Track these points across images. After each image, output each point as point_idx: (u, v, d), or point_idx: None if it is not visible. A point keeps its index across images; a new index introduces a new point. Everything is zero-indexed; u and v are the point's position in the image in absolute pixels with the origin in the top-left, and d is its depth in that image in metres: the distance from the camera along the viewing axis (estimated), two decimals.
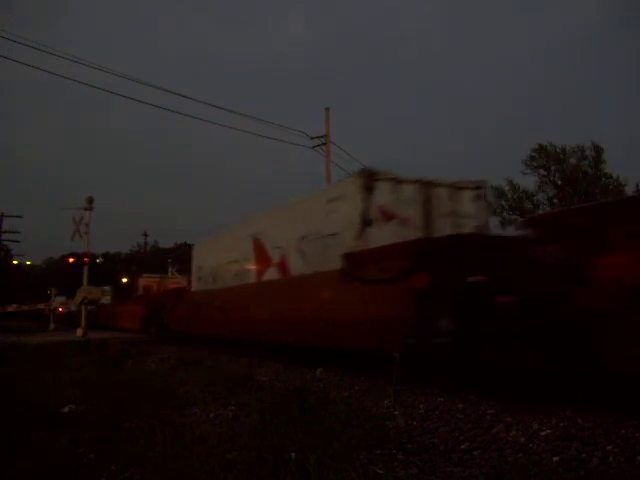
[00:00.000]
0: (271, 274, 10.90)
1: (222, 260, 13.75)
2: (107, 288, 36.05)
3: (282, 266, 10.47)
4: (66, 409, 5.07)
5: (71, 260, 26.27)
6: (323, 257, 8.75)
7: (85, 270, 22.01)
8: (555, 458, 3.41)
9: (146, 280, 26.94)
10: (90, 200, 21.64)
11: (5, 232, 40.61)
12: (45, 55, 14.11)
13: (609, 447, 3.56)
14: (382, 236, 7.70)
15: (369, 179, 8.13)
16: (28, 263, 61.53)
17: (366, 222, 7.96)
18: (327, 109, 21.06)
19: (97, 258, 31.13)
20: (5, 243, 44.36)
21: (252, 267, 11.82)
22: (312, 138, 20.90)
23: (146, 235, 58.99)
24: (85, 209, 21.65)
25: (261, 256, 11.40)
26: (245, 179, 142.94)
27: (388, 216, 8.14)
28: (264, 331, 10.41)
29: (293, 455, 3.10)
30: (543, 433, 4.01)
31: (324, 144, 20.81)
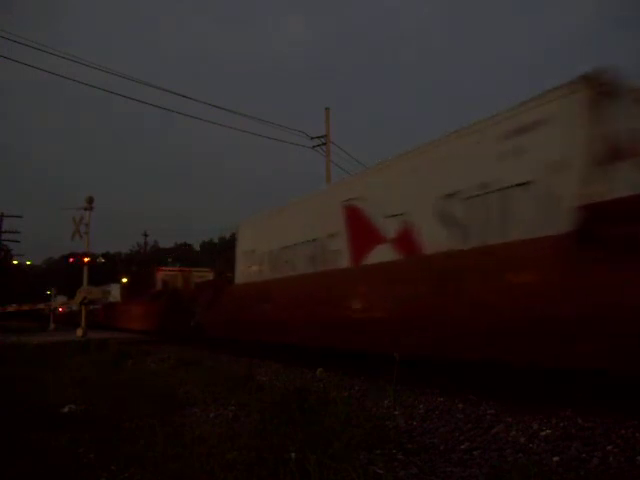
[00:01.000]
0: (381, 254, 7.64)
1: (288, 241, 10.34)
2: (111, 287, 33.94)
3: (404, 241, 7.27)
4: (66, 409, 5.07)
5: (71, 260, 26.27)
6: (499, 221, 5.81)
7: (85, 270, 22.02)
8: (555, 458, 3.41)
9: (165, 274, 22.88)
10: (90, 200, 21.65)
11: (5, 232, 40.66)
12: (45, 55, 14.13)
13: (609, 447, 3.55)
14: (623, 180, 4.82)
15: (601, 90, 5.12)
16: (28, 263, 61.65)
17: (603, 157, 4.95)
18: (327, 109, 21.07)
19: (97, 258, 31.12)
20: (5, 243, 44.41)
21: (344, 246, 8.52)
22: (312, 138, 20.92)
23: (146, 235, 59.04)
24: (85, 209, 21.66)
25: (360, 230, 8.14)
26: (245, 179, 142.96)
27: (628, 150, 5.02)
28: (392, 337, 6.94)
29: (293, 455, 3.10)
30: (543, 433, 4.01)
31: (324, 144, 20.82)
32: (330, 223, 8.92)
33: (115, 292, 32.72)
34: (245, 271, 12.36)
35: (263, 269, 11.40)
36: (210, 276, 20.70)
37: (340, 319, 8.22)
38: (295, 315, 9.48)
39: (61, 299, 39.99)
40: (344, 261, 8.47)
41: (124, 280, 33.93)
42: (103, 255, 56.97)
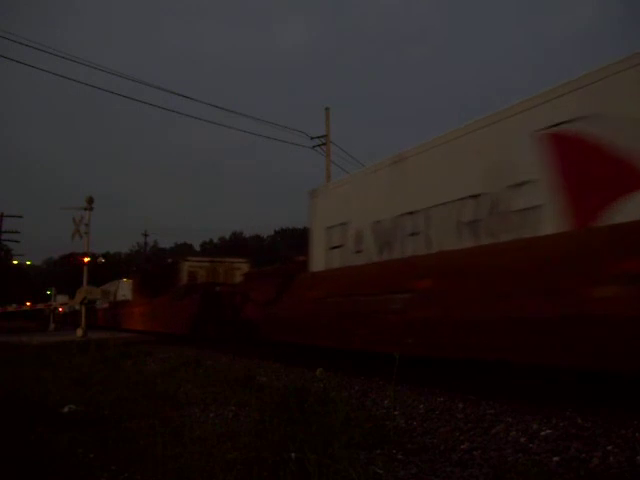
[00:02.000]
0: None
1: (415, 203, 7.14)
2: (119, 284, 31.42)
3: None
4: (66, 409, 5.06)
5: (71, 260, 26.28)
6: None
7: (85, 270, 22.03)
8: (555, 458, 3.41)
9: (192, 265, 18.88)
10: (90, 200, 21.66)
11: (5, 232, 40.68)
12: (45, 55, 14.13)
13: (609, 447, 3.55)
14: None
15: None
16: (28, 263, 61.70)
17: None
18: (327, 109, 21.10)
19: (97, 258, 31.06)
20: (5, 243, 44.46)
21: (545, 200, 5.46)
22: (312, 138, 20.94)
23: (146, 235, 59.10)
24: (85, 209, 21.68)
25: (588, 171, 5.15)
26: (245, 179, 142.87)
27: None
28: None
29: (293, 455, 3.10)
30: (543, 433, 4.01)
31: (324, 144, 20.83)
32: (510, 167, 5.90)
33: (124, 290, 29.88)
34: (328, 254, 9.13)
35: (365, 248, 8.18)
36: (245, 267, 18.01)
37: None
38: (490, 313, 5.77)
39: (62, 298, 39.94)
40: (548, 223, 5.37)
41: (136, 276, 29.33)
42: (103, 255, 56.96)
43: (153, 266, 34.07)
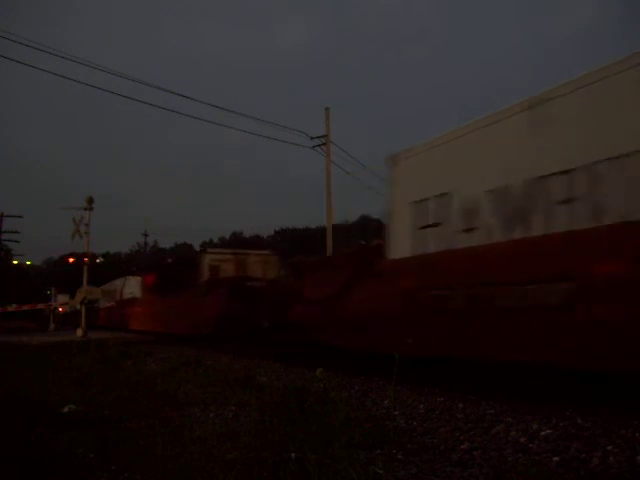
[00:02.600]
0: None
1: (576, 157, 5.30)
2: (126, 281, 29.37)
3: None
4: (66, 409, 5.06)
5: (71, 260, 26.26)
6: None
7: (85, 270, 22.03)
8: (555, 458, 3.41)
9: (214, 258, 16.52)
10: (90, 200, 21.69)
11: (5, 232, 40.67)
12: (45, 55, 14.14)
13: (609, 447, 3.55)
14: None
15: None
16: (28, 263, 61.65)
17: None
18: (327, 109, 21.08)
19: (97, 258, 30.98)
20: (5, 243, 44.46)
21: None
22: (312, 138, 20.92)
23: (146, 235, 59.13)
24: (85, 209, 21.69)
25: None
26: (245, 179, 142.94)
27: None
28: None
29: (293, 455, 3.10)
30: (543, 433, 4.01)
31: (324, 144, 20.82)
32: None
33: (131, 287, 27.75)
34: (416, 236, 7.21)
35: (481, 224, 6.28)
36: (272, 259, 16.29)
37: None
38: None
39: (62, 298, 39.88)
40: None
41: (148, 272, 25.91)
42: (103, 255, 56.99)
43: (167, 261, 30.64)
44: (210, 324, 14.12)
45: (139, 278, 26.48)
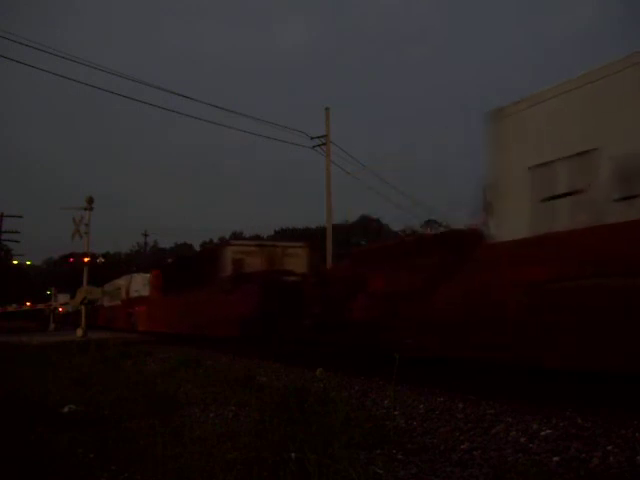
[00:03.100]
0: None
1: None
2: (132, 278, 27.59)
3: None
4: (66, 409, 5.06)
5: (71, 260, 26.27)
6: None
7: (85, 270, 22.04)
8: (555, 458, 3.41)
9: (238, 251, 14.51)
10: (90, 200, 21.72)
11: (5, 232, 40.69)
12: (45, 55, 14.14)
13: (609, 447, 3.55)
14: None
15: None
16: (28, 263, 61.70)
17: None
18: (327, 109, 21.09)
19: (97, 258, 30.92)
20: (5, 243, 44.48)
21: None
22: (312, 138, 20.93)
23: (146, 235, 59.19)
24: (85, 209, 21.72)
25: None
26: (245, 179, 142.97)
27: None
28: None
29: (293, 455, 3.10)
30: (543, 433, 4.01)
31: (324, 144, 20.82)
32: None
33: (137, 285, 26.07)
34: (537, 210, 5.80)
35: None
36: (302, 252, 14.44)
37: None
38: None
39: (63, 297, 39.83)
40: None
41: (160, 268, 22.93)
42: (103, 255, 57.00)
43: (182, 256, 27.15)
44: (237, 324, 12.20)
45: (146, 275, 25.02)
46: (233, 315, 12.41)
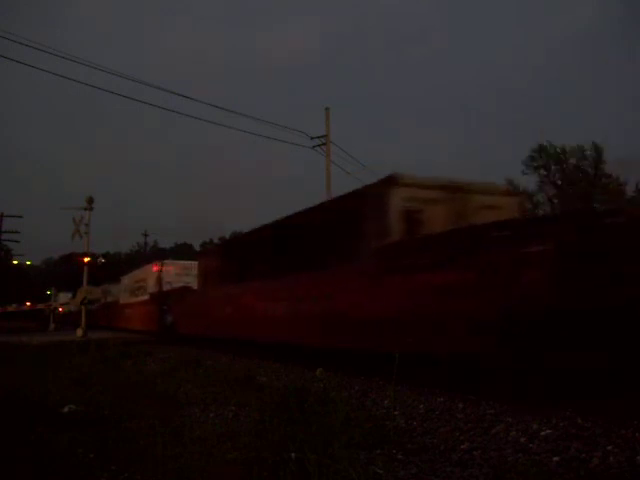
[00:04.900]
0: None
1: None
2: (163, 266, 21.89)
3: None
4: (66, 409, 5.06)
5: (71, 260, 26.27)
6: None
7: (85, 270, 22.05)
8: (555, 458, 3.41)
9: (414, 197, 7.74)
10: (90, 200, 21.74)
11: (5, 232, 40.70)
12: (45, 55, 14.14)
13: (609, 447, 3.55)
14: None
15: None
16: (28, 263, 61.69)
17: None
18: (327, 109, 21.09)
19: (97, 258, 30.87)
20: (5, 243, 44.47)
21: None
22: (312, 138, 20.92)
23: (146, 235, 59.16)
24: (85, 209, 21.74)
25: None
26: (245, 179, 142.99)
27: None
28: None
29: (293, 455, 3.10)
30: (543, 433, 4.01)
31: (324, 144, 20.83)
32: None
33: (169, 275, 21.50)
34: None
35: None
36: (508, 202, 8.44)
37: None
38: None
39: (64, 297, 39.76)
40: None
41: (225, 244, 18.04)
42: (103, 255, 56.98)
43: (276, 222, 12.02)
44: (459, 332, 6.02)
45: (180, 263, 21.73)
46: (441, 315, 6.18)
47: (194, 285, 17.70)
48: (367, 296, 7.53)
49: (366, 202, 8.17)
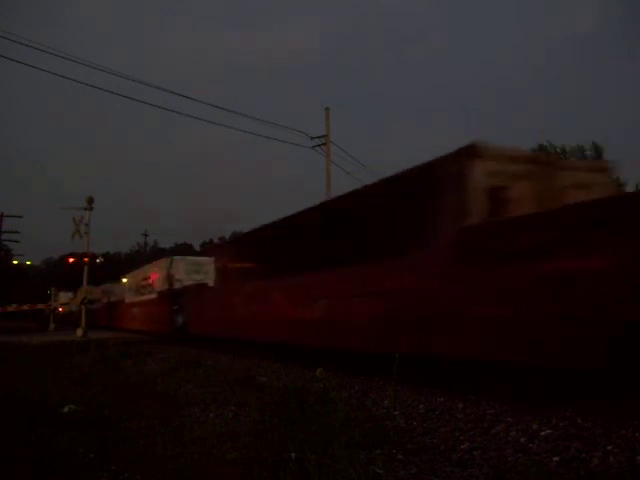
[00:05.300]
0: None
1: None
2: (173, 262, 19.77)
3: None
4: (66, 409, 5.06)
5: (71, 260, 26.20)
6: None
7: (85, 270, 22.04)
8: (555, 458, 3.40)
9: (497, 170, 6.20)
10: (90, 200, 21.73)
11: (5, 232, 40.71)
12: (45, 55, 14.14)
13: (609, 447, 3.55)
14: None
15: None
16: (28, 263, 61.68)
17: None
18: (327, 109, 21.10)
19: (97, 258, 30.79)
20: (5, 243, 44.49)
21: None
22: (312, 138, 20.93)
23: (146, 235, 59.19)
24: (85, 209, 21.72)
25: None
26: (244, 179, 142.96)
27: None
28: None
29: (293, 455, 3.10)
30: (543, 433, 4.01)
31: (324, 144, 20.83)
32: None
33: (179, 272, 19.52)
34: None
35: None
36: (599, 178, 6.67)
37: None
38: None
39: (65, 296, 39.66)
40: None
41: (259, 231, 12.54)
42: (103, 255, 56.98)
43: (315, 207, 10.10)
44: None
45: (190, 259, 20.12)
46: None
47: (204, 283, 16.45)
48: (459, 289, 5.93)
49: (439, 179, 6.64)
